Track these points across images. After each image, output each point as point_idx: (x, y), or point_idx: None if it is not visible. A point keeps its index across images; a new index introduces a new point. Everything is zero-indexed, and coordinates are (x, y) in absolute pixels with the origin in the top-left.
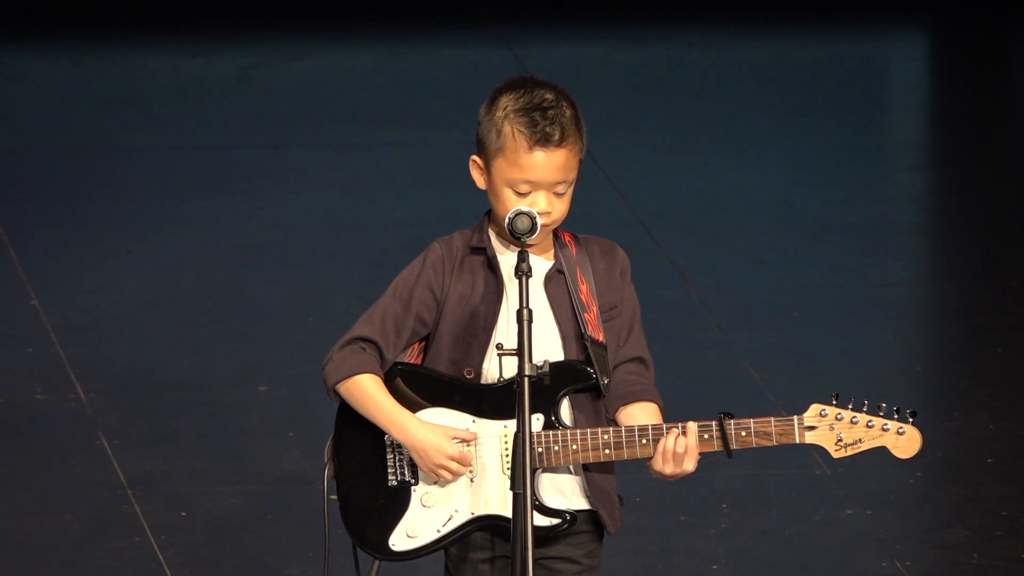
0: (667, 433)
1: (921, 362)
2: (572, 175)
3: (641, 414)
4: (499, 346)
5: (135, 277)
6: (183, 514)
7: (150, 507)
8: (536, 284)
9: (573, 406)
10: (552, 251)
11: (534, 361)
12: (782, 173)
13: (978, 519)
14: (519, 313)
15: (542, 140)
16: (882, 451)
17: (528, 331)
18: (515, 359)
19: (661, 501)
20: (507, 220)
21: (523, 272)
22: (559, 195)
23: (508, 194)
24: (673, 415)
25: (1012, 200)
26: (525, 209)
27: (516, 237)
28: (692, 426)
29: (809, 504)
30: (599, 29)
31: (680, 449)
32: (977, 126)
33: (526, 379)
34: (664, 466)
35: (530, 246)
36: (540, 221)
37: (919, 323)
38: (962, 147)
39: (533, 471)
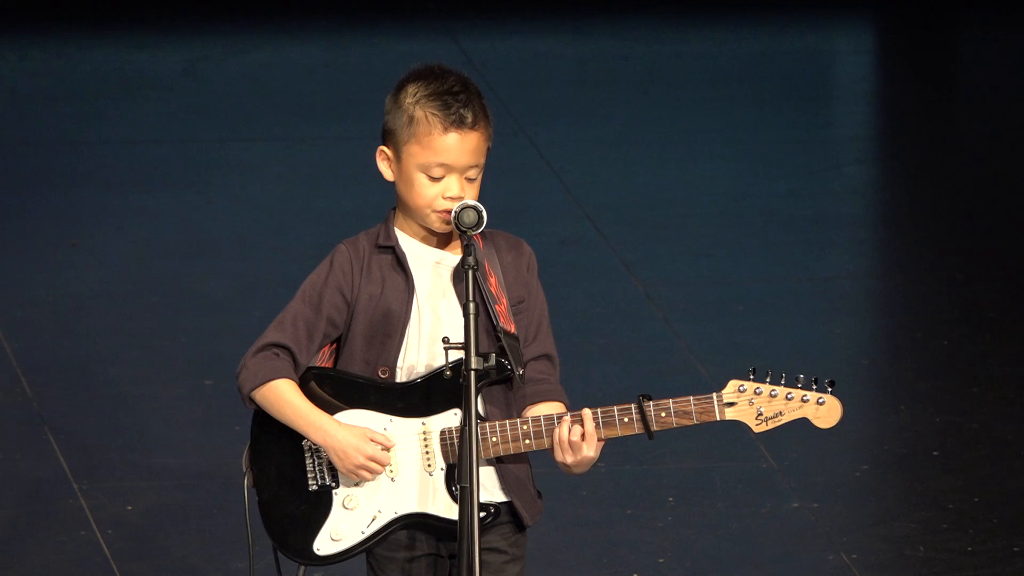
0: (559, 423)
1: (867, 355)
2: (483, 161)
3: (549, 413)
4: (445, 340)
5: (80, 271)
6: (129, 508)
7: (96, 501)
8: (445, 279)
9: (485, 400)
10: (459, 245)
11: (480, 355)
12: (728, 166)
13: (924, 512)
14: (465, 307)
15: (457, 122)
16: (804, 421)
17: (476, 324)
18: (449, 352)
19: (607, 494)
20: (453, 213)
21: (470, 266)
22: (470, 180)
23: (421, 180)
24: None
25: (957, 193)
26: (471, 203)
27: (462, 230)
28: (587, 412)
29: (755, 497)
30: (544, 22)
31: (575, 437)
32: (923, 119)
33: (472, 373)
34: (564, 455)
35: (452, 235)
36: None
37: (865, 316)
38: (908, 140)
39: (452, 465)
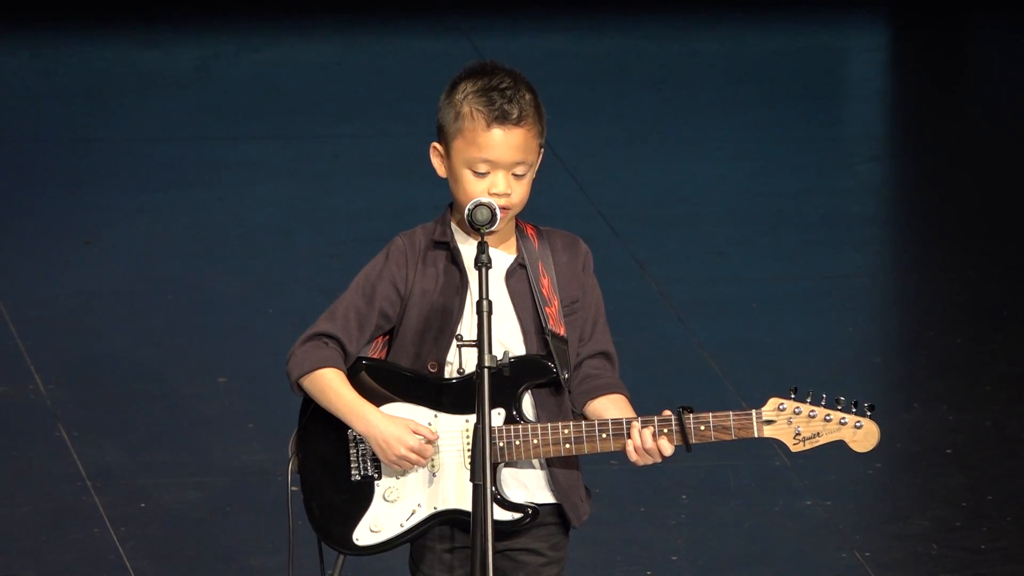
0: (631, 430)
1: (879, 353)
2: (531, 158)
3: (611, 406)
4: (459, 337)
5: (93, 269)
6: (142, 505)
7: (109, 499)
8: (497, 278)
9: (535, 402)
10: (514, 244)
11: (495, 353)
12: (740, 164)
13: (937, 510)
14: (479, 304)
15: (500, 117)
16: (841, 443)
17: (488, 322)
18: (475, 350)
19: (621, 492)
20: (466, 211)
21: (482, 263)
22: (518, 177)
23: (467, 176)
24: (633, 407)
25: (969, 191)
26: (485, 200)
27: (475, 228)
28: (654, 420)
29: (768, 495)
30: (557, 20)
31: (650, 444)
32: (935, 117)
33: (485, 370)
34: (644, 461)
35: (491, 233)
36: (499, 203)
37: (877, 314)
38: (920, 138)
39: (494, 464)
